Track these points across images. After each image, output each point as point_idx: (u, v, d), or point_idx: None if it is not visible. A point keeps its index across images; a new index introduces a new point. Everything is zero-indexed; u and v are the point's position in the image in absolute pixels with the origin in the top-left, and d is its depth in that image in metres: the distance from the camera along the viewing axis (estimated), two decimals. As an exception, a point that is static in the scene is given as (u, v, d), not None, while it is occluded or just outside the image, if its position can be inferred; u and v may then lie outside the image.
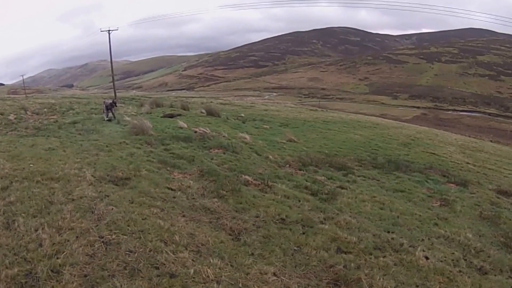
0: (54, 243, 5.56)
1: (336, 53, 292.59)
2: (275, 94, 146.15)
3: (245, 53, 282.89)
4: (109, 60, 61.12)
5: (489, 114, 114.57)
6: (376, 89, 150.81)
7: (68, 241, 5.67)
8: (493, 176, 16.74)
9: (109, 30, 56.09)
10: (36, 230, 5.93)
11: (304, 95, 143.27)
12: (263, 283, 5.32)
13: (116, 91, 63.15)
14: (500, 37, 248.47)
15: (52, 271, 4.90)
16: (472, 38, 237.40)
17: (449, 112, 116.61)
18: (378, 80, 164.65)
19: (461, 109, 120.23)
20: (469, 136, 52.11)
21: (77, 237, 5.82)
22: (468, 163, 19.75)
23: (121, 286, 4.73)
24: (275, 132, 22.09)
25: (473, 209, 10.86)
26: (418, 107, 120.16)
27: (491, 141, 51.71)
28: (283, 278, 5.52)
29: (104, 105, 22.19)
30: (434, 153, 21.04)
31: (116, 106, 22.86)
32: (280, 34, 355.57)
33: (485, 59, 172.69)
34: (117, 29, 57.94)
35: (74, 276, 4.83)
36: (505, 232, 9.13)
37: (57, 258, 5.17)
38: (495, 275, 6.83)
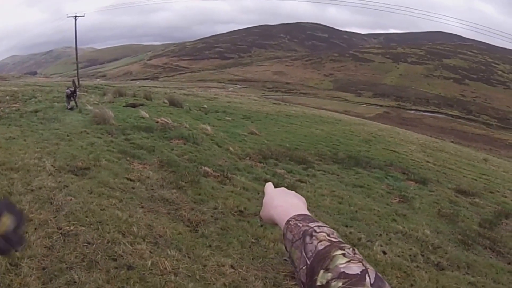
0: (12, 235, 5.49)
1: (302, 48, 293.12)
2: (239, 86, 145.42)
3: (211, 44, 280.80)
4: (74, 47, 60.18)
5: (452, 115, 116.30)
6: (341, 86, 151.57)
7: (26, 233, 5.58)
8: (453, 176, 17.16)
9: (75, 16, 55.16)
10: (-5, 222, 5.83)
11: (268, 88, 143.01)
12: (220, 275, 5.34)
13: (80, 79, 61.88)
14: (468, 42, 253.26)
15: (10, 264, 4.82)
16: (440, 42, 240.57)
17: (412, 111, 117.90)
18: (343, 77, 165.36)
19: (424, 109, 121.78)
20: (431, 136, 53.12)
21: (35, 228, 5.74)
22: (428, 161, 20.19)
23: (79, 278, 4.68)
24: (237, 124, 22.13)
25: (431, 206, 11.13)
26: (381, 105, 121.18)
27: (452, 142, 52.83)
28: (240, 270, 5.55)
29: (66, 94, 21.88)
30: (394, 151, 21.43)
31: (76, 93, 22.43)
32: (247, 26, 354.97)
33: (451, 63, 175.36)
34: (83, 16, 57.09)
35: (33, 269, 4.75)
36: (462, 230, 9.40)
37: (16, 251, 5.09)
38: (452, 271, 7.03)
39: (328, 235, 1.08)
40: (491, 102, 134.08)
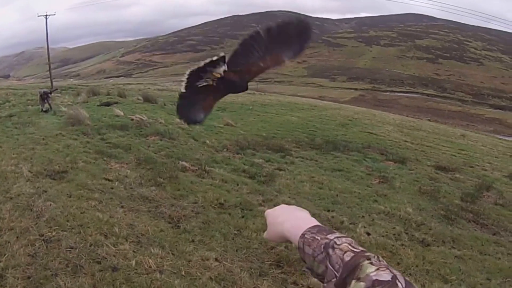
0: (-5, 246, 5.45)
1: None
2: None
3: (184, 38, 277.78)
4: (46, 47, 59.39)
5: (427, 95, 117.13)
6: (315, 72, 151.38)
7: (8, 242, 5.53)
8: (431, 153, 17.35)
9: (46, 15, 54.40)
10: (-23, 234, 5.78)
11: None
12: (205, 269, 5.37)
13: (53, 80, 61.18)
14: (439, 22, 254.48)
15: (-5, 277, 4.81)
16: (412, 23, 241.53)
17: (387, 93, 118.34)
18: (316, 63, 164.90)
19: (399, 90, 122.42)
20: (407, 116, 53.60)
21: (17, 237, 5.69)
22: (406, 141, 20.34)
23: (64, 284, 4.67)
24: (212, 117, 21.94)
25: (412, 185, 11.26)
26: (356, 89, 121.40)
27: (429, 120, 53.49)
28: (225, 262, 5.59)
29: (39, 96, 21.57)
30: (372, 133, 21.53)
31: (49, 96, 22.08)
32: (219, 17, 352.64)
33: (424, 43, 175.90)
34: (54, 14, 56.26)
35: (18, 279, 4.72)
36: (445, 205, 9.53)
37: (0, 262, 5.09)
38: (437, 246, 7.15)
39: (350, 245, 1.12)
40: (465, 79, 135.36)
